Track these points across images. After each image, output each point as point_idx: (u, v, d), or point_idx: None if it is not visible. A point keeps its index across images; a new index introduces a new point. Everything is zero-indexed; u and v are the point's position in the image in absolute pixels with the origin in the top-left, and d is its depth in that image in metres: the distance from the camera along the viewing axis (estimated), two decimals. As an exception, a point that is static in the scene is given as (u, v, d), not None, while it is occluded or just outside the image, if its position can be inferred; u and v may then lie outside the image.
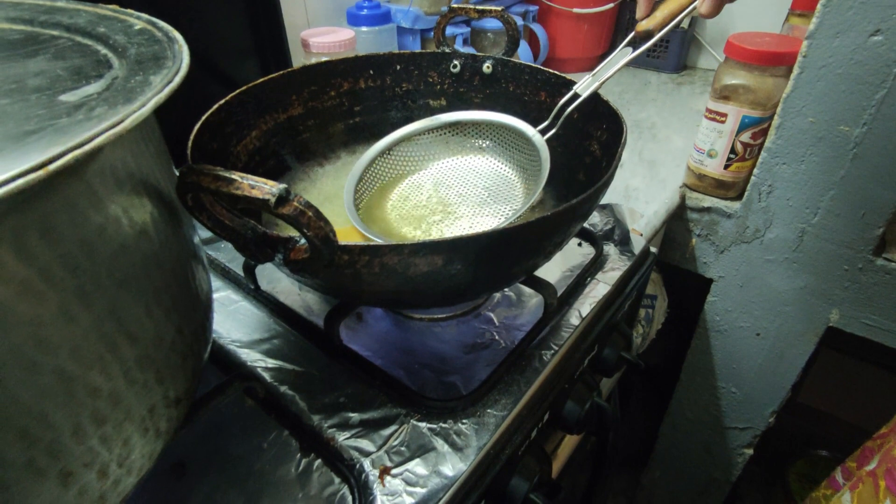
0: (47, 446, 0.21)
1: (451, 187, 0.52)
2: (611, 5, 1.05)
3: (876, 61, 0.56)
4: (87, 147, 0.18)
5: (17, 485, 0.20)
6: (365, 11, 0.84)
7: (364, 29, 0.84)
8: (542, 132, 0.48)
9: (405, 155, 0.54)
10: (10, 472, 0.20)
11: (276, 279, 0.52)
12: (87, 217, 0.21)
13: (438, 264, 0.31)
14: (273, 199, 0.25)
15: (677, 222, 0.80)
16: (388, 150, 0.53)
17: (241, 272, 0.50)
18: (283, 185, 0.25)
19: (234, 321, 0.47)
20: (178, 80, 0.24)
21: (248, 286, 0.49)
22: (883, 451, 0.44)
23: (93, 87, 0.24)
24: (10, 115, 0.22)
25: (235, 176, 0.26)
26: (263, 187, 0.25)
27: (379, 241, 0.35)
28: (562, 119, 0.47)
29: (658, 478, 1.13)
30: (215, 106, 0.45)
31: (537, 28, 1.04)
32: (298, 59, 0.83)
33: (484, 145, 0.54)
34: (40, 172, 0.16)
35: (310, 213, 0.26)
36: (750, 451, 0.94)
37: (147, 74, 0.24)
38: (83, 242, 0.21)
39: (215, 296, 0.50)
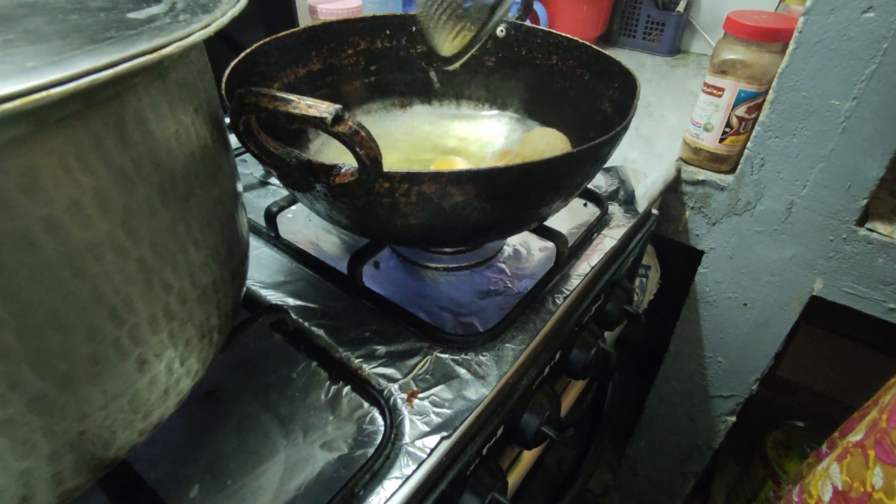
0: (130, 329, 0.22)
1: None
2: (610, -13, 1.08)
3: (867, 37, 0.59)
4: (186, 41, 0.19)
5: (106, 361, 0.22)
6: (372, -21, 0.85)
7: (371, -3, 0.85)
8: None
9: None
10: (102, 348, 0.21)
11: (293, 231, 0.54)
12: (167, 119, 0.23)
13: (471, 194, 0.33)
14: (330, 118, 0.27)
15: (672, 195, 0.83)
16: None
17: (260, 221, 0.52)
18: (338, 105, 0.27)
19: (257, 264, 0.49)
20: (245, -1, 0.25)
21: (269, 233, 0.51)
22: (869, 422, 0.47)
23: (156, 8, 0.26)
24: (86, 26, 0.23)
25: (293, 97, 0.27)
26: (320, 106, 0.27)
27: None
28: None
29: (643, 448, 1.17)
30: (242, 54, 0.46)
31: (538, 6, 1.05)
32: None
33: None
34: (154, 55, 0.18)
35: (363, 133, 0.27)
36: (733, 419, 0.98)
37: (214, -5, 0.26)
38: (165, 141, 0.23)
39: (235, 244, 0.51)
